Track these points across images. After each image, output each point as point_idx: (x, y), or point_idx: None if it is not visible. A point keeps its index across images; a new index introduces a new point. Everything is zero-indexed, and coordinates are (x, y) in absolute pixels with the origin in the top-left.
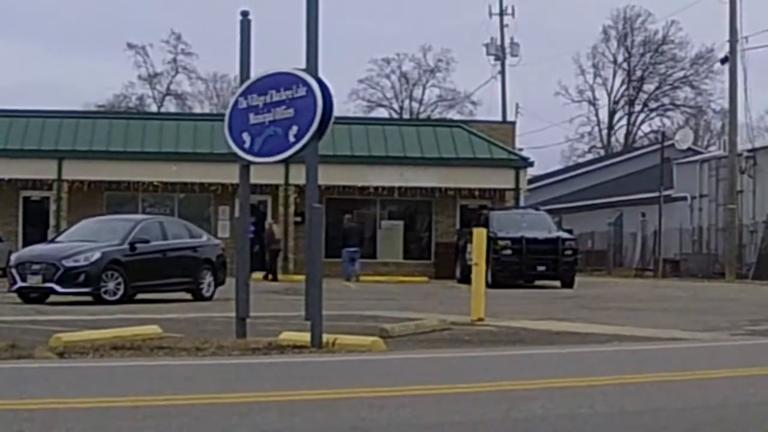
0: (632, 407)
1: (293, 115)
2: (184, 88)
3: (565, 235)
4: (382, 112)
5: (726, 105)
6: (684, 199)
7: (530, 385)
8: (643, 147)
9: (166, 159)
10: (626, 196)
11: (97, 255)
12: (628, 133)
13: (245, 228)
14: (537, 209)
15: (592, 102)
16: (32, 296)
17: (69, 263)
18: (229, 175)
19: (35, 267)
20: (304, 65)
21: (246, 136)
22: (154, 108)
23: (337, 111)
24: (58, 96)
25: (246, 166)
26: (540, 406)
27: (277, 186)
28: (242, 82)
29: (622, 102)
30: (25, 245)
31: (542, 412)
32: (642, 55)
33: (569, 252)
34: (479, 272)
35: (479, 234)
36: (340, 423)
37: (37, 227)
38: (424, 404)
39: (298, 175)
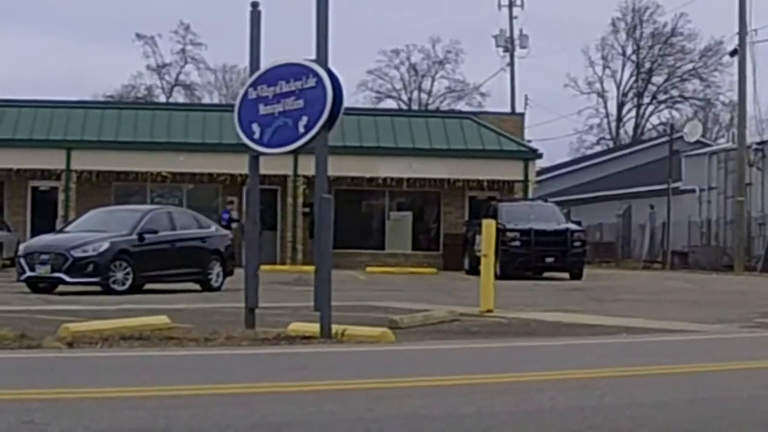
0: (641, 399)
1: (303, 106)
2: (193, 78)
3: (574, 226)
4: (390, 104)
5: (735, 97)
6: (693, 191)
7: (539, 376)
8: (651, 139)
9: (175, 149)
10: (635, 188)
11: (105, 245)
12: (636, 125)
13: (254, 218)
14: (546, 201)
15: (601, 94)
16: (41, 286)
17: (77, 253)
18: (238, 165)
19: (44, 257)
20: (313, 56)
21: (255, 127)
22: (162, 98)
23: (346, 102)
24: (67, 86)
25: (255, 157)
26: (549, 398)
27: (285, 177)
28: (252, 72)
29: (630, 94)
30: (33, 235)
31: (551, 404)
32: (651, 47)
33: (578, 244)
34: (488, 263)
35: (488, 225)
36: (350, 414)
37: (45, 217)
38: (433, 395)
39: (307, 166)
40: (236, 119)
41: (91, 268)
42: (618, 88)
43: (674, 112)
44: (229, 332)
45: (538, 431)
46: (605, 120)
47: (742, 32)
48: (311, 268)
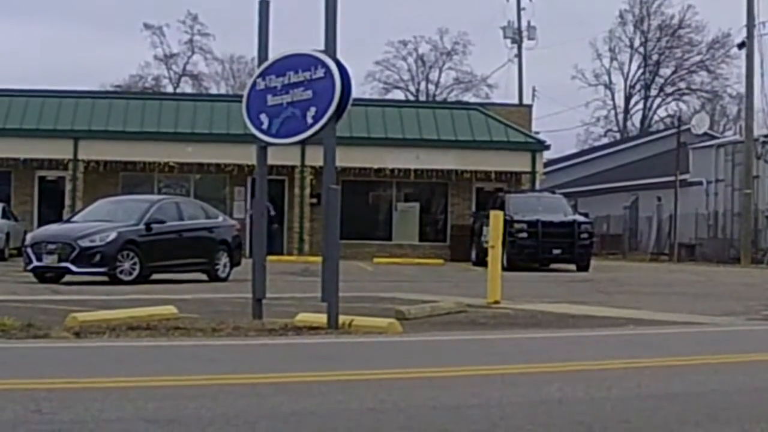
0: (649, 391)
1: (311, 96)
2: (201, 68)
3: (581, 218)
4: (398, 95)
5: (742, 90)
6: (700, 183)
7: (547, 368)
8: (659, 131)
9: (182, 140)
10: (642, 180)
11: (113, 235)
12: (644, 118)
13: (262, 209)
14: (553, 192)
15: (608, 86)
16: (48, 276)
17: (85, 243)
18: (245, 156)
19: (51, 247)
20: (322, 47)
21: (264, 118)
22: (170, 89)
23: (354, 93)
24: (75, 76)
25: (263, 148)
26: (557, 389)
27: (293, 167)
28: (260, 63)
29: (638, 86)
30: (40, 225)
31: (560, 395)
32: (658, 39)
33: (585, 235)
34: (495, 255)
35: (496, 217)
36: (358, 404)
37: (52, 207)
38: (441, 386)
39: (314, 157)
40: (244, 109)
41: (98, 258)
42: (625, 80)
43: (681, 105)
44: (237, 322)
45: (547, 422)
46: (612, 112)
47: (750, 24)
48: (318, 258)
